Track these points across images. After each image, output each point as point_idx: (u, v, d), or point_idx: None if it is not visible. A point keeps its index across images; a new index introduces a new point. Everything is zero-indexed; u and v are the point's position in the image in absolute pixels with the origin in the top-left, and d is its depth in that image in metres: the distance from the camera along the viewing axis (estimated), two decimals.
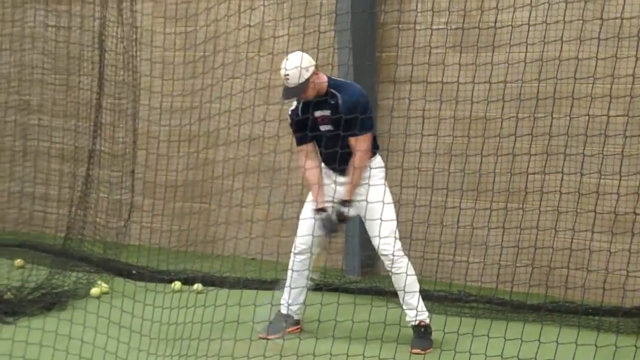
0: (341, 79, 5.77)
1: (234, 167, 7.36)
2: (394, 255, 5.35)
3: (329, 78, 5.51)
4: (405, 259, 5.43)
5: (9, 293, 6.36)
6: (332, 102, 5.40)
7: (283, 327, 5.68)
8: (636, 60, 5.53)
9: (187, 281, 6.88)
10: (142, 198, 7.95)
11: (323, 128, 5.46)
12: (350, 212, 5.49)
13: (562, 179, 5.86)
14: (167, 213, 7.86)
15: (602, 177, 5.70)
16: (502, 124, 6.25)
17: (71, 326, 5.15)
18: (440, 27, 6.70)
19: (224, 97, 7.34)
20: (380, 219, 5.23)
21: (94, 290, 6.60)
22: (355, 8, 6.92)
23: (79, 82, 8.10)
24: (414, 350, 5.38)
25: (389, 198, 5.42)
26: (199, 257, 7.42)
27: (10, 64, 8.54)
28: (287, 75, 5.33)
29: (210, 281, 6.86)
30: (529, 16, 5.96)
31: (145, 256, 7.28)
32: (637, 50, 5.68)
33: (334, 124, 5.38)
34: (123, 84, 7.50)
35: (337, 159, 5.32)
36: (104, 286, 6.69)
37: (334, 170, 5.49)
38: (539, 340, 4.70)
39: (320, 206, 5.48)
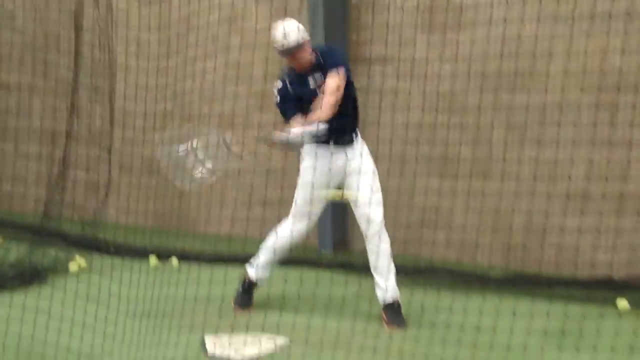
0: (321, 45, 5.61)
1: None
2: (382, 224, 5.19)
3: (312, 48, 5.35)
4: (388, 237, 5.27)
5: None
6: (321, 61, 5.23)
7: (251, 300, 5.70)
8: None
9: (162, 256, 7.06)
10: (118, 176, 8.06)
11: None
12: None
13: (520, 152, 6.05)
14: (143, 191, 7.98)
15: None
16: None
17: (38, 301, 5.26)
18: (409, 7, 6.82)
19: (196, 76, 7.49)
20: (357, 187, 5.17)
21: (72, 266, 6.73)
22: None
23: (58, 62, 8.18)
24: (391, 327, 5.25)
25: (376, 170, 5.36)
26: (173, 235, 7.58)
27: None
28: (288, 33, 5.15)
29: (185, 256, 7.03)
30: None
31: (122, 234, 7.42)
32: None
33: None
34: (100, 63, 7.58)
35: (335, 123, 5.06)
36: (81, 261, 6.81)
37: (330, 139, 5.20)
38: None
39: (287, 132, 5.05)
